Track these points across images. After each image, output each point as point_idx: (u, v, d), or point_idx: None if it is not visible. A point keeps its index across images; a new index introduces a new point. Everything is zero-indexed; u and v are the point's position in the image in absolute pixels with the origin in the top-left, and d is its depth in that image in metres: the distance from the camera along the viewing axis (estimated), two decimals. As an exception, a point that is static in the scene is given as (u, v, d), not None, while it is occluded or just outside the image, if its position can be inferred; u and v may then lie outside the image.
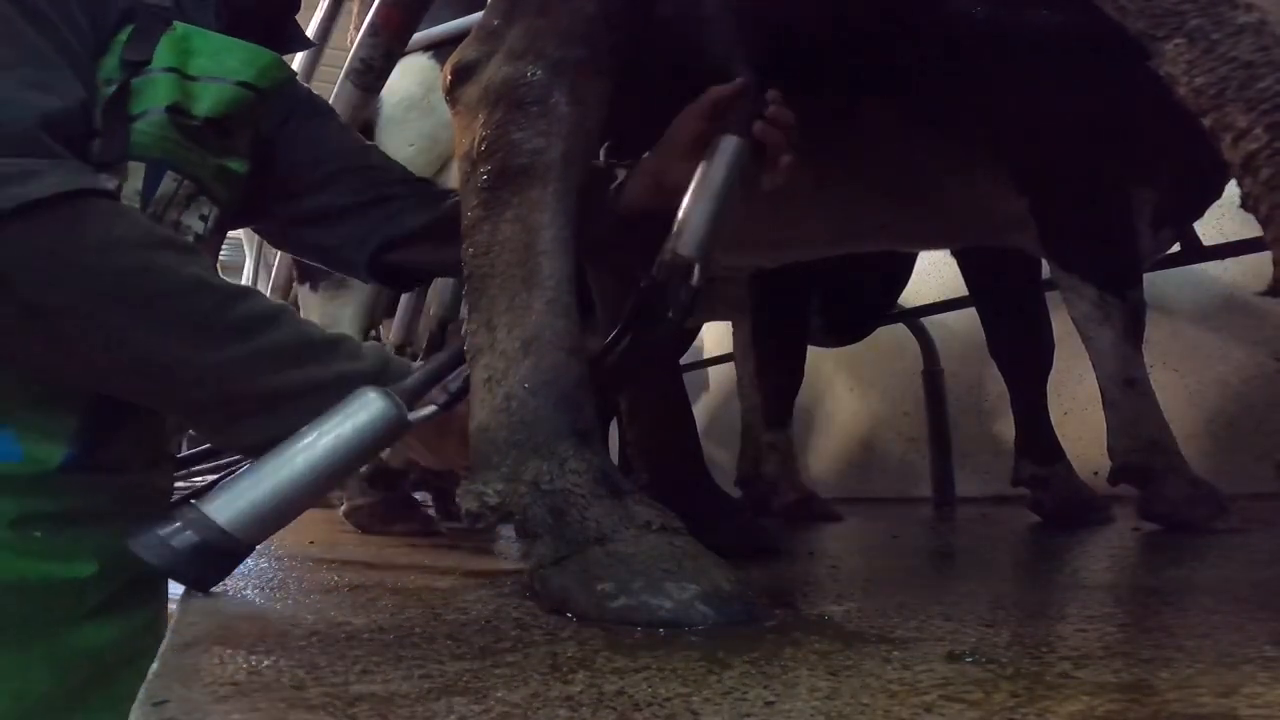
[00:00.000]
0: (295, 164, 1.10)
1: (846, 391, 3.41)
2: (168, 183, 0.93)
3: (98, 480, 0.93)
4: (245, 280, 3.42)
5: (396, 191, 1.12)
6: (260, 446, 0.84)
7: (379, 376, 0.86)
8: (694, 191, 0.99)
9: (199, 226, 0.99)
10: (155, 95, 0.90)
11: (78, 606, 0.92)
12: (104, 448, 0.92)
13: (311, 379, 0.84)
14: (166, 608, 1.05)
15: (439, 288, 2.13)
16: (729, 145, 1.01)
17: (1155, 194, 1.56)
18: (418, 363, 1.00)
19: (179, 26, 0.92)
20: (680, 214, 0.97)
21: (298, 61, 1.97)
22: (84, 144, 0.84)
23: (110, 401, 0.90)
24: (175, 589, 1.12)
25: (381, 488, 1.96)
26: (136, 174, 0.90)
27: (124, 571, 0.95)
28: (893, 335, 2.90)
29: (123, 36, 0.89)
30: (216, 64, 0.94)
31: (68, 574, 0.90)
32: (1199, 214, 1.78)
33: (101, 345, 0.79)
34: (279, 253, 2.21)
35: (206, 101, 0.93)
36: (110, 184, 0.84)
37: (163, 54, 0.90)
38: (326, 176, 1.11)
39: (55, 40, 0.83)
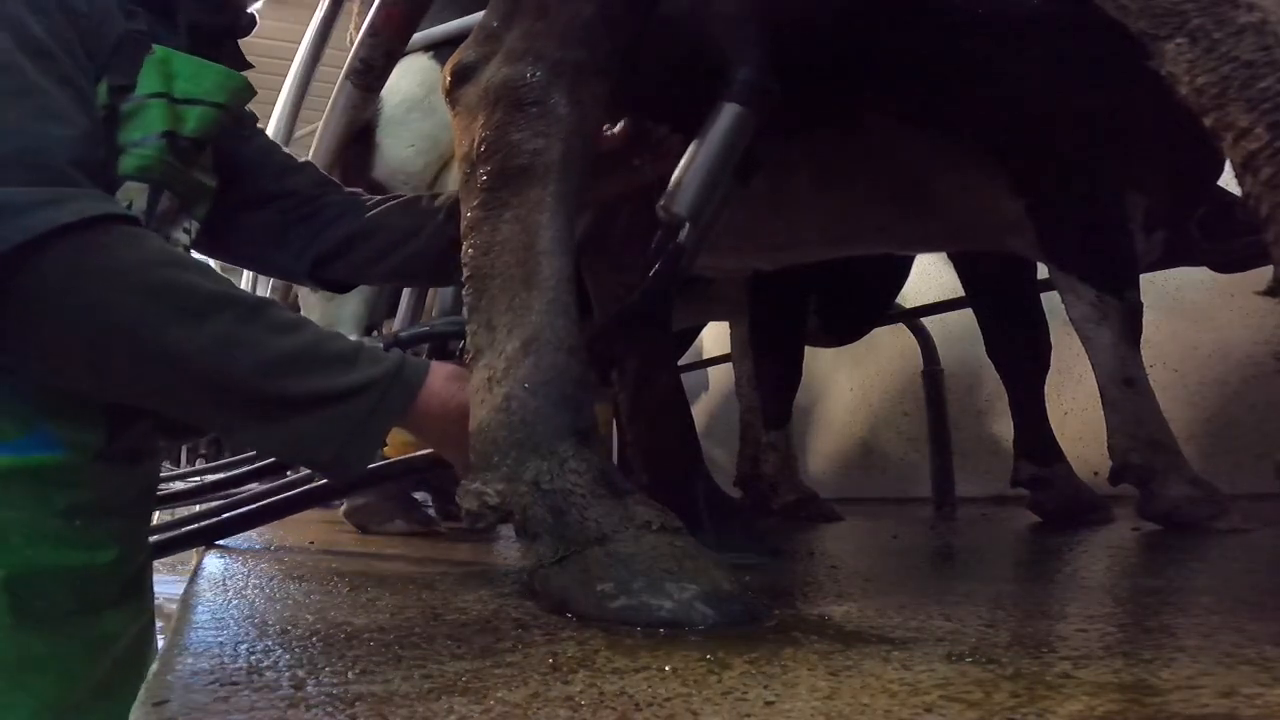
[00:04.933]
0: (241, 179, 1.14)
1: (846, 391, 3.41)
2: (164, 201, 0.97)
3: (120, 470, 0.98)
4: (244, 282, 3.42)
5: (321, 205, 1.17)
6: (285, 451, 0.88)
7: (397, 378, 0.88)
8: (691, 153, 1.00)
9: (185, 239, 1.03)
10: (151, 122, 0.94)
11: (104, 594, 0.97)
12: (124, 439, 0.97)
13: (333, 384, 0.85)
14: (153, 603, 1.10)
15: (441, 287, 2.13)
16: (729, 112, 1.02)
17: (1148, 198, 1.57)
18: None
19: (158, 49, 0.96)
20: (676, 174, 0.98)
21: (296, 62, 1.97)
22: (95, 170, 0.87)
23: None
24: (174, 588, 1.12)
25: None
26: (140, 195, 0.94)
27: (134, 561, 1.02)
28: (893, 335, 2.90)
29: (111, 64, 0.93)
30: (196, 86, 0.98)
31: (98, 561, 0.95)
32: (1191, 217, 1.78)
33: (130, 361, 0.82)
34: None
35: (192, 123, 0.98)
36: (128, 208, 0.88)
37: (148, 79, 0.94)
38: (265, 194, 1.15)
39: (56, 72, 0.86)
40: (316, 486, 1.43)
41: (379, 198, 1.21)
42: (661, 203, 1.02)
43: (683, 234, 1.00)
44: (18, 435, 0.89)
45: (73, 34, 0.89)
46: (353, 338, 0.92)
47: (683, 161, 1.00)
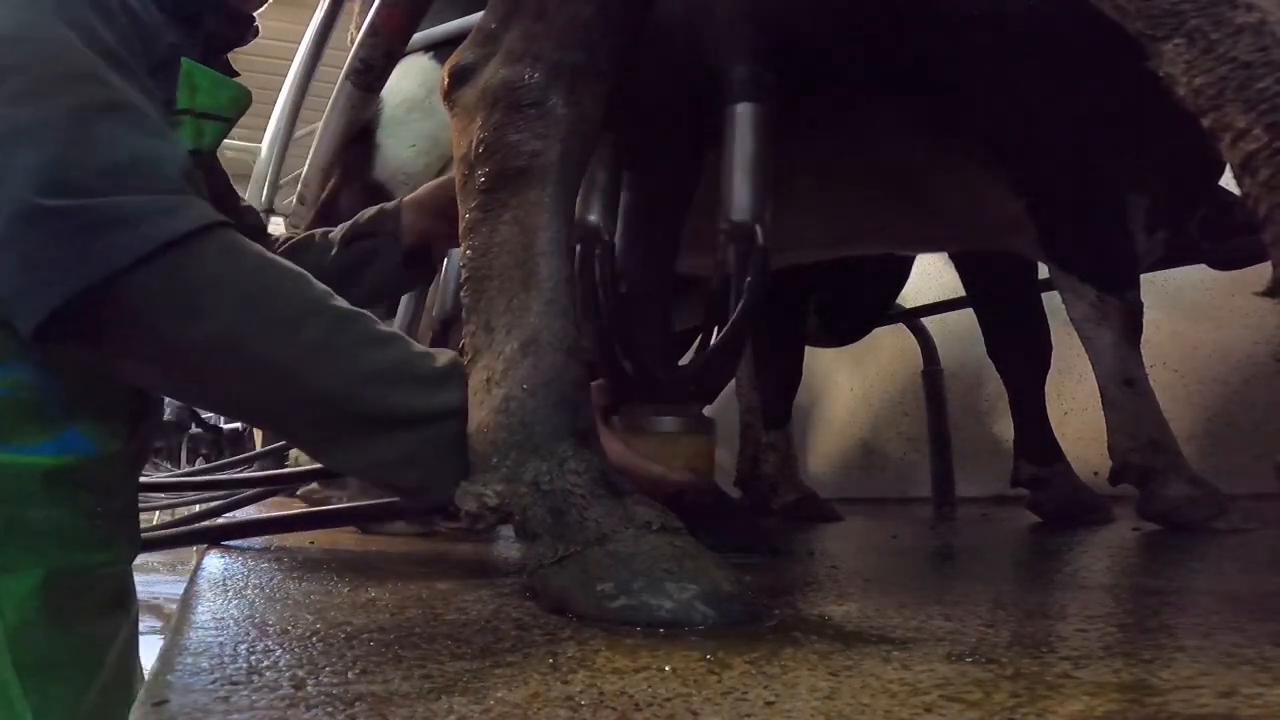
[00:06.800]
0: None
1: (846, 391, 3.41)
2: None
3: (133, 471, 1.00)
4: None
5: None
6: (370, 471, 0.85)
7: None
8: (727, 163, 1.00)
9: None
10: (181, 137, 0.94)
11: (112, 594, 0.98)
12: (137, 440, 0.98)
13: (424, 404, 0.83)
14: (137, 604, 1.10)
15: (440, 288, 2.13)
16: (746, 112, 1.02)
17: (1148, 198, 1.57)
18: None
19: (184, 62, 0.95)
20: (722, 189, 0.98)
21: (296, 62, 1.97)
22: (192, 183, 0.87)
23: (141, 396, 0.96)
24: (175, 588, 1.12)
25: None
26: None
27: (130, 562, 1.03)
28: (893, 335, 2.90)
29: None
30: (214, 101, 0.97)
31: (113, 561, 0.96)
32: (1191, 217, 1.78)
33: (234, 371, 0.80)
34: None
35: (209, 138, 0.98)
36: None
37: (180, 93, 0.94)
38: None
39: (136, 83, 0.85)
40: (360, 506, 1.41)
41: (284, 240, 1.22)
42: (721, 223, 1.00)
43: (758, 238, 0.98)
44: (57, 436, 0.89)
45: (137, 42, 0.88)
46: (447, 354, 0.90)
47: (722, 176, 1.00)
